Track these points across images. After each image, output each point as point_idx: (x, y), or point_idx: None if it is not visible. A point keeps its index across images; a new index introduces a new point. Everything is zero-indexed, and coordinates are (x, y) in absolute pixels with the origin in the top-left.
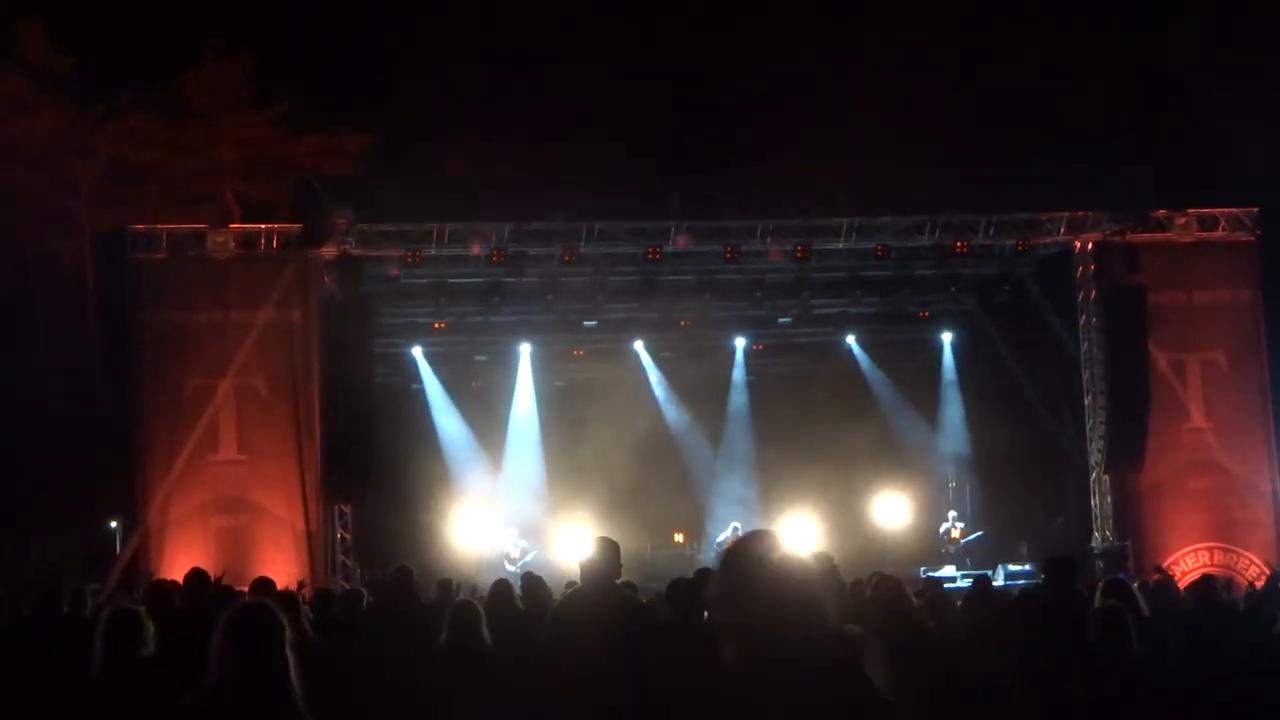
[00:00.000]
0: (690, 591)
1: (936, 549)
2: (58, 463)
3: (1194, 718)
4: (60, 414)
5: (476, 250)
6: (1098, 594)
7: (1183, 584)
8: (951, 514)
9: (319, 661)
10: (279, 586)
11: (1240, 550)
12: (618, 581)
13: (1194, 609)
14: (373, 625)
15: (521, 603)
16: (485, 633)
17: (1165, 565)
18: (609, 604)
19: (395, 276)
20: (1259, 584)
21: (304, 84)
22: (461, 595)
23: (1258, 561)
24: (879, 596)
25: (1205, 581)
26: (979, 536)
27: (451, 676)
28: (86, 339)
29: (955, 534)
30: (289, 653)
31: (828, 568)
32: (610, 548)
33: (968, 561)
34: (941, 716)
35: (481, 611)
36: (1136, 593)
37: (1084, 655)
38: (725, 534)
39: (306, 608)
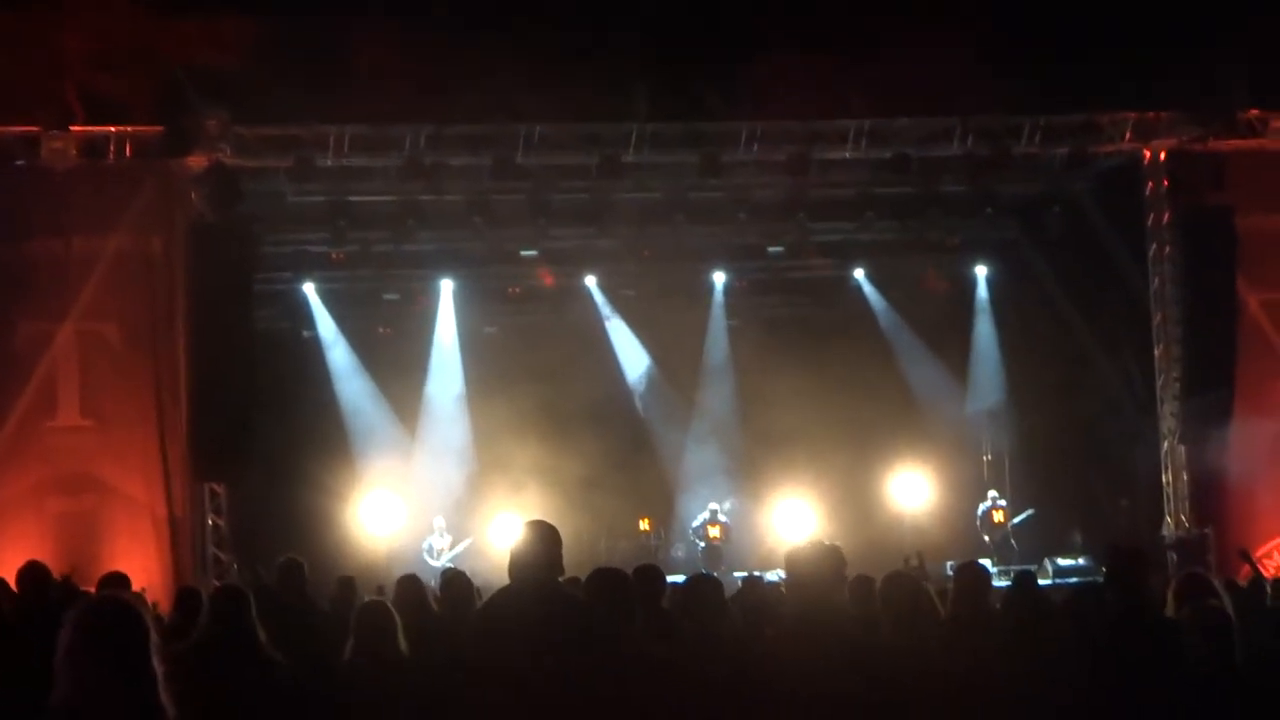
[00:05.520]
0: (622, 589)
1: (971, 537)
2: None
3: None
4: None
5: None
6: (1170, 594)
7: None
8: (992, 493)
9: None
10: (135, 586)
11: None
12: (560, 579)
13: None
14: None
15: (439, 604)
16: (401, 640)
17: (1256, 557)
18: (547, 608)
19: (282, 194)
20: None
21: None
22: (367, 596)
23: None
24: (891, 600)
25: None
26: (1029, 516)
27: (360, 694)
28: None
29: (998, 517)
30: (156, 662)
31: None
32: (546, 535)
33: (1013, 550)
34: None
35: (395, 615)
36: (1223, 592)
37: (1171, 673)
38: (703, 516)
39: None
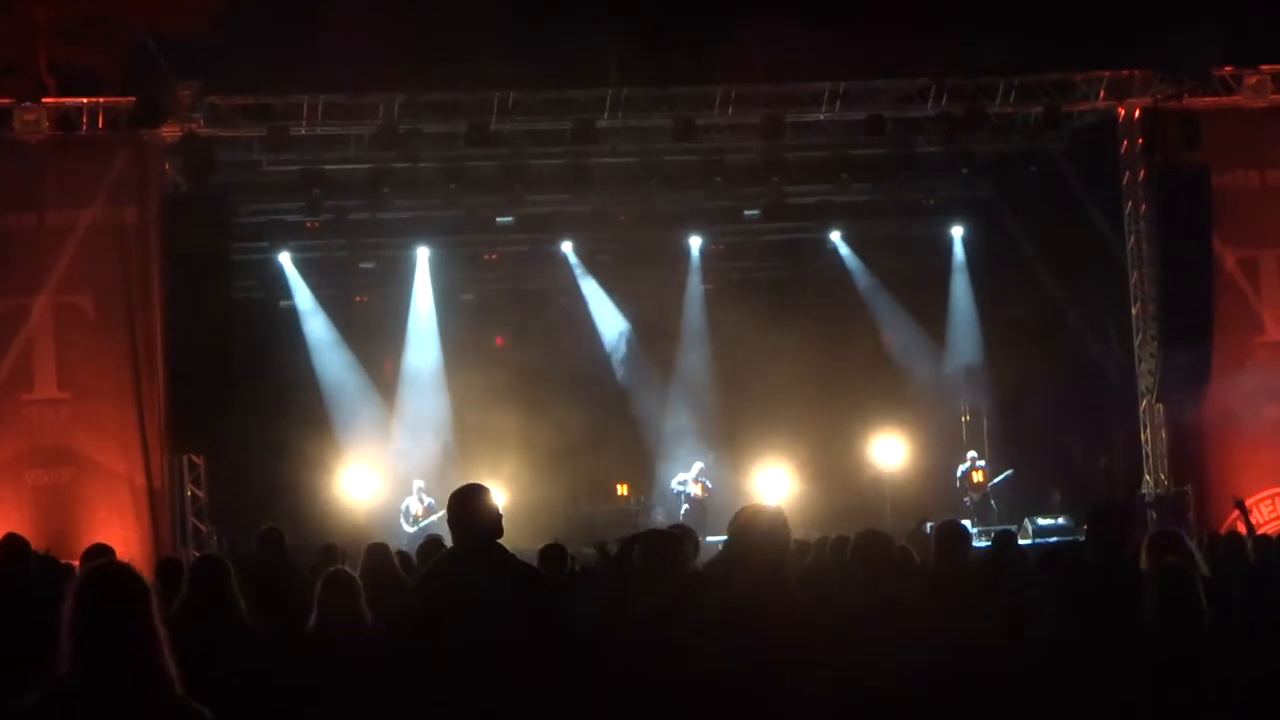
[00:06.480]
0: (679, 550)
1: (950, 497)
2: None
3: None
4: None
5: None
6: (1143, 551)
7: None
8: (971, 454)
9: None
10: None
11: None
12: (499, 540)
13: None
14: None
15: (414, 571)
16: (364, 609)
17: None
18: (482, 570)
19: (256, 163)
20: None
21: None
22: (347, 564)
23: None
24: (862, 558)
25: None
26: (1008, 476)
27: (321, 665)
28: None
29: (977, 477)
30: (159, 626)
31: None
32: (475, 498)
33: (993, 510)
34: (945, 709)
35: (359, 584)
36: (1195, 550)
37: (1137, 628)
38: (689, 474)
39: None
